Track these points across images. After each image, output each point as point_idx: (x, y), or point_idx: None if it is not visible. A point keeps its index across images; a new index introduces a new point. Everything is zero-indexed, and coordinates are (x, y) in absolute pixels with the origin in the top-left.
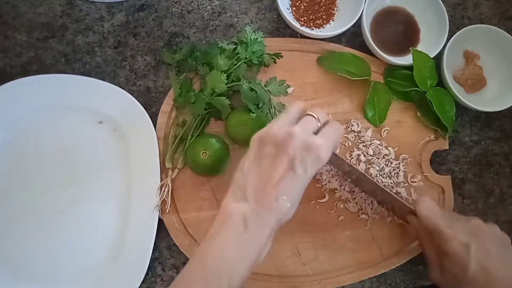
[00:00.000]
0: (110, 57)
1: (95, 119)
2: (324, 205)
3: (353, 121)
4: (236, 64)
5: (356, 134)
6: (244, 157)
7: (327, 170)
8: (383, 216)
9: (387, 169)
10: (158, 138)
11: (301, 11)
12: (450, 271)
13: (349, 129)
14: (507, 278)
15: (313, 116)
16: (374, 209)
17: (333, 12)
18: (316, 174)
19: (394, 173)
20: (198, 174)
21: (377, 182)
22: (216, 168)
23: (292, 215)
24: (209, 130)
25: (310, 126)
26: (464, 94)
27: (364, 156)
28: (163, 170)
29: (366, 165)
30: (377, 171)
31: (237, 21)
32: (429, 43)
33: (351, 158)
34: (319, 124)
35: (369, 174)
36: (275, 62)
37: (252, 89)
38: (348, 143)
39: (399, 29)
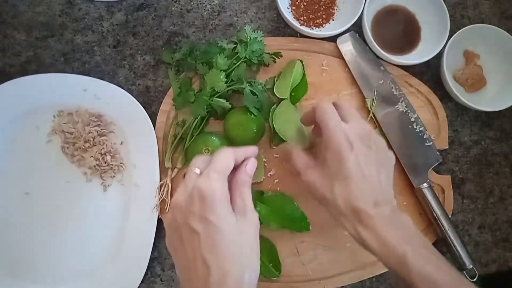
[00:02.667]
0: (109, 56)
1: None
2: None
3: None
4: (235, 64)
5: None
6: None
7: None
8: None
9: None
10: (157, 138)
11: (301, 10)
12: (328, 165)
13: None
14: (378, 186)
15: (191, 171)
16: None
17: (333, 11)
18: None
19: None
20: None
21: None
22: None
23: (258, 263)
24: (209, 129)
25: (188, 181)
26: (464, 94)
27: None
28: (163, 169)
29: None
30: None
31: (237, 20)
32: (430, 42)
33: None
34: (197, 172)
35: None
36: (275, 62)
37: (253, 93)
38: None
39: (400, 28)
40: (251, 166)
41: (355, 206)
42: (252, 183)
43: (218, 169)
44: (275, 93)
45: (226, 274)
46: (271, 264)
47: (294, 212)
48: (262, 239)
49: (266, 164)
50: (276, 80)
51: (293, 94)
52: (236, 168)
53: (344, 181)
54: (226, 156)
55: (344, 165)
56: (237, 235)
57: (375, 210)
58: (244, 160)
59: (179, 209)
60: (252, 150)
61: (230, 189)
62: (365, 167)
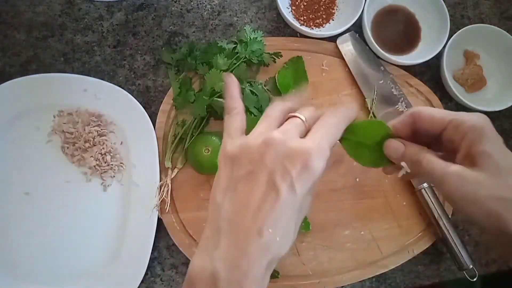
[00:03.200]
0: (109, 56)
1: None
2: (323, 205)
3: None
4: (235, 64)
5: None
6: (214, 185)
7: None
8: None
9: None
10: (157, 138)
11: (301, 10)
12: (493, 159)
13: None
14: None
15: (297, 116)
16: None
17: (333, 11)
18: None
19: None
20: (202, 173)
21: None
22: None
23: (288, 249)
24: (209, 129)
25: (293, 128)
26: (464, 94)
27: None
28: (163, 169)
29: None
30: None
31: (237, 20)
32: (430, 42)
33: None
34: (305, 124)
35: None
36: (275, 62)
37: (253, 93)
38: None
39: (400, 28)
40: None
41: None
42: None
43: (331, 142)
44: (278, 85)
45: (281, 243)
46: None
47: None
48: None
49: None
50: (278, 73)
51: (293, 91)
52: None
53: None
54: (340, 127)
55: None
56: (297, 214)
57: None
58: None
59: (276, 155)
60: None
61: None
62: None
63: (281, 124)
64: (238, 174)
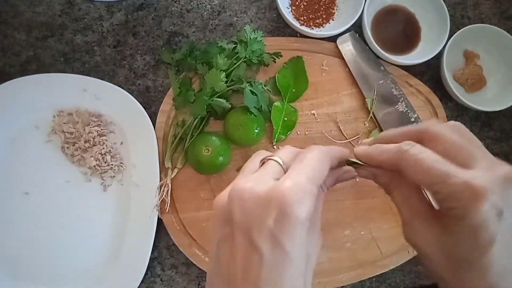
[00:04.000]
0: (109, 56)
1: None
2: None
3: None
4: (235, 64)
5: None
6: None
7: None
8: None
9: None
10: (157, 138)
11: (301, 10)
12: (460, 243)
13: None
14: None
15: (271, 159)
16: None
17: (333, 11)
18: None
19: None
20: (202, 173)
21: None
22: (220, 164)
23: None
24: (209, 129)
25: (264, 172)
26: (464, 94)
27: None
28: (163, 169)
29: None
30: None
31: (237, 20)
32: (430, 42)
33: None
34: (282, 166)
35: None
36: (275, 62)
37: (253, 93)
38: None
39: (400, 28)
40: (346, 175)
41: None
42: None
43: (313, 177)
44: (278, 85)
45: None
46: None
47: None
48: None
49: None
50: (278, 73)
51: (293, 90)
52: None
53: (487, 274)
54: (323, 160)
55: (487, 251)
56: (304, 265)
57: None
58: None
59: (244, 207)
60: (345, 151)
61: None
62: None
63: None
64: (217, 236)
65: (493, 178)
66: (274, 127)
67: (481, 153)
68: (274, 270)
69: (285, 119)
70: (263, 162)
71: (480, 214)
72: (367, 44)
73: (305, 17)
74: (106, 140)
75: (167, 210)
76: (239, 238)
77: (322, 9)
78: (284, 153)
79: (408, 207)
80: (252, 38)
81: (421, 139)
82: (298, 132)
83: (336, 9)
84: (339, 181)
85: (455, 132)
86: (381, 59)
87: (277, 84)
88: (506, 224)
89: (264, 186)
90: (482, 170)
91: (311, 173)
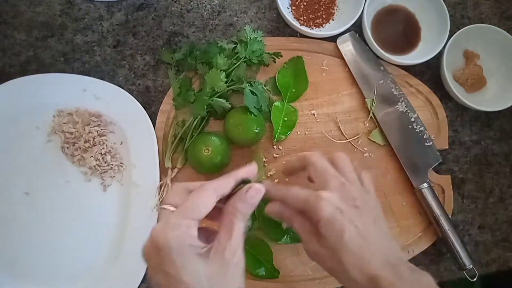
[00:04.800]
0: (109, 56)
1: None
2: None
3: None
4: (235, 64)
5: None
6: None
7: None
8: None
9: None
10: (157, 138)
11: (301, 10)
12: (327, 239)
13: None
14: (385, 245)
15: (163, 208)
16: None
17: (333, 11)
18: None
19: None
20: (202, 173)
21: None
22: (219, 164)
23: None
24: (209, 129)
25: (158, 223)
26: (464, 94)
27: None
28: (163, 169)
29: None
30: None
31: (237, 20)
32: (429, 42)
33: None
34: (171, 210)
35: None
36: (275, 62)
37: (253, 93)
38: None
39: (400, 28)
40: (252, 193)
41: (370, 274)
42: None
43: (184, 212)
44: (277, 85)
45: None
46: (269, 266)
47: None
48: (260, 242)
49: (266, 164)
50: (278, 73)
51: (293, 90)
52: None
53: (349, 251)
54: (203, 195)
55: (343, 236)
56: (207, 283)
57: (393, 274)
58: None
59: (144, 257)
60: (246, 171)
61: (222, 216)
62: (363, 229)
63: None
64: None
65: (335, 191)
66: (274, 127)
67: (335, 178)
68: None
69: (285, 119)
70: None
71: (325, 211)
72: (367, 44)
73: (305, 17)
74: (106, 140)
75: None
76: (152, 280)
77: (322, 9)
78: (173, 196)
79: (304, 231)
80: (252, 38)
81: (303, 165)
82: (298, 132)
83: (336, 9)
84: (253, 203)
85: (325, 161)
86: (381, 59)
87: (277, 84)
88: (347, 218)
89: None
90: (331, 188)
91: (183, 211)
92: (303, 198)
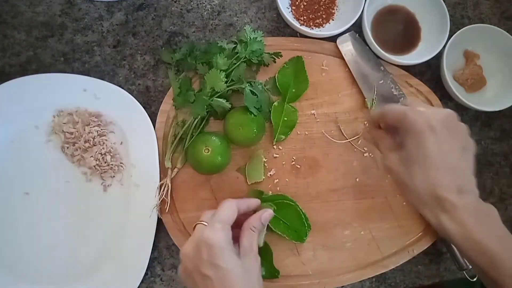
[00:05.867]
0: (109, 56)
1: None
2: (323, 204)
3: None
4: (235, 64)
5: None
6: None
7: None
8: None
9: None
10: (157, 138)
11: (301, 10)
12: (408, 149)
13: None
14: (467, 172)
15: (200, 223)
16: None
17: (333, 11)
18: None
19: None
20: (201, 173)
21: None
22: (219, 164)
23: None
24: (209, 129)
25: (196, 234)
26: (464, 94)
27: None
28: (162, 169)
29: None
30: None
31: (237, 20)
32: (430, 42)
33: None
34: (205, 224)
35: None
36: (275, 62)
37: (253, 93)
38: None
39: (400, 28)
40: (267, 216)
41: (438, 193)
42: (252, 183)
43: (222, 219)
44: (277, 85)
45: None
46: (269, 266)
47: (294, 221)
48: None
49: (266, 164)
50: (278, 73)
51: (293, 90)
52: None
53: (425, 166)
54: (229, 208)
55: (425, 149)
56: (244, 274)
57: (459, 199)
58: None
59: (189, 258)
60: (255, 201)
61: (241, 230)
62: (448, 152)
63: None
64: (186, 283)
65: (434, 111)
66: (274, 127)
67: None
68: (222, 283)
69: (285, 119)
70: (194, 226)
71: (418, 122)
72: (367, 44)
73: (305, 17)
74: (106, 140)
75: (167, 210)
76: (197, 276)
77: (322, 9)
78: (206, 215)
79: (384, 145)
80: (252, 38)
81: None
82: (298, 132)
83: (336, 9)
84: (265, 222)
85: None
86: (381, 59)
87: (277, 84)
88: (434, 136)
89: (195, 241)
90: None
91: (221, 219)
92: (401, 109)
